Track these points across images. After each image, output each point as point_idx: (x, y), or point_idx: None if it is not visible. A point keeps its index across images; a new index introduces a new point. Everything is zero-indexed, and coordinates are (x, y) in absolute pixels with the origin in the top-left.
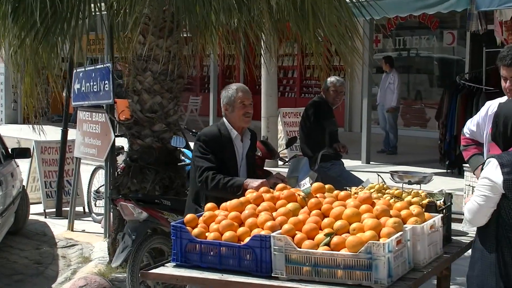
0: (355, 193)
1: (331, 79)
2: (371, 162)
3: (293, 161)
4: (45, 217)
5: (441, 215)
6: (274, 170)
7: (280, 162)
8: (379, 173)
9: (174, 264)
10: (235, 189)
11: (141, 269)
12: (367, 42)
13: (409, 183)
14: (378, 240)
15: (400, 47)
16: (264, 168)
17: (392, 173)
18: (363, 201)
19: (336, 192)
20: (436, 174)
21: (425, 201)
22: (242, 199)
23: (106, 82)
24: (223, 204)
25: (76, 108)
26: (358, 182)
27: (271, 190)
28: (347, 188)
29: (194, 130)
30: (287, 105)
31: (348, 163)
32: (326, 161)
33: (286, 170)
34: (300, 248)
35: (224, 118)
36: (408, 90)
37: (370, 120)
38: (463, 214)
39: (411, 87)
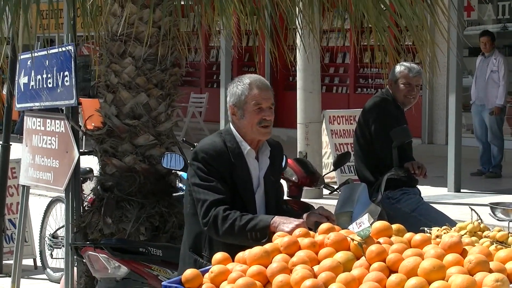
0: (437, 236)
1: (401, 67)
2: (462, 190)
3: (344, 189)
4: None
5: None
6: (316, 203)
7: (325, 191)
8: (472, 207)
9: None
10: (259, 234)
11: None
12: (454, 11)
13: None
14: None
15: (505, 18)
16: (302, 199)
17: (494, 206)
18: (449, 249)
19: (408, 235)
20: None
21: None
22: (268, 246)
23: (67, 73)
24: (240, 254)
25: (22, 113)
26: (442, 219)
27: (311, 232)
28: (425, 229)
29: (196, 144)
30: (336, 105)
31: (427, 191)
32: (395, 188)
33: (335, 203)
34: None
35: (230, 125)
36: None
37: (460, 127)
38: None
39: None
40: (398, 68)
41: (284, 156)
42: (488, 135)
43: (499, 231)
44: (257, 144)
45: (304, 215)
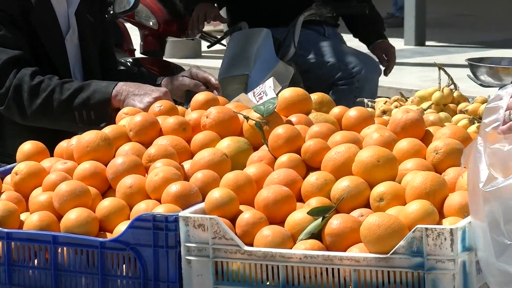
0: (384, 111)
1: None
2: (427, 43)
3: (235, 40)
4: None
5: None
6: (189, 64)
7: (204, 44)
8: (442, 67)
9: None
10: (94, 113)
11: None
12: None
13: None
14: (440, 223)
15: None
16: (164, 58)
17: (475, 64)
18: (403, 132)
19: (338, 110)
20: None
21: None
22: (108, 130)
23: None
24: (62, 144)
25: None
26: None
27: (180, 108)
28: (365, 100)
29: None
30: None
31: None
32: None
33: (219, 64)
34: (251, 245)
35: None
36: None
37: None
38: None
39: None
40: None
41: None
42: None
43: (483, 102)
44: None
45: (166, 80)
